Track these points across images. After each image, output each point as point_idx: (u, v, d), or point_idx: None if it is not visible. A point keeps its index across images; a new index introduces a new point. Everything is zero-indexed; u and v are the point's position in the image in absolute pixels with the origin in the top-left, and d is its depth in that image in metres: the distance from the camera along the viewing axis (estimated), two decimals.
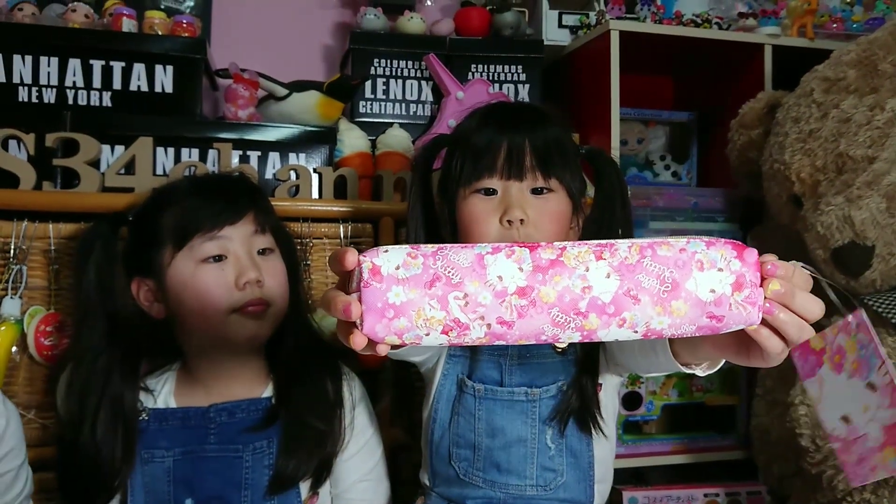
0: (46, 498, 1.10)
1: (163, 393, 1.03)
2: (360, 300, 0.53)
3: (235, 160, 1.29)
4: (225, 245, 0.97)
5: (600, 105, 1.46)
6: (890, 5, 1.67)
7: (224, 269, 0.97)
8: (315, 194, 1.31)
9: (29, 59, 1.29)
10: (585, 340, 0.55)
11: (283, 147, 1.34)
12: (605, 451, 0.99)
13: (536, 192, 0.93)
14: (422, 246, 0.54)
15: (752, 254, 0.55)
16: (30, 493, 1.00)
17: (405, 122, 1.51)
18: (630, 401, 1.44)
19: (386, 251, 0.53)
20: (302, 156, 1.35)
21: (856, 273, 1.11)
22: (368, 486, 1.07)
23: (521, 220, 0.90)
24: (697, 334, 0.55)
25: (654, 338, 0.56)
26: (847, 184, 1.13)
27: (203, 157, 1.28)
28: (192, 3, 1.58)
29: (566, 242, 0.55)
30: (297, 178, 1.30)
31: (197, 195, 1.00)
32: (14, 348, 1.11)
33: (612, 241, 0.55)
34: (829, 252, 1.12)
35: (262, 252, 1.01)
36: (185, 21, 1.39)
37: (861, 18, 1.62)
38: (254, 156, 1.32)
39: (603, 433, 0.97)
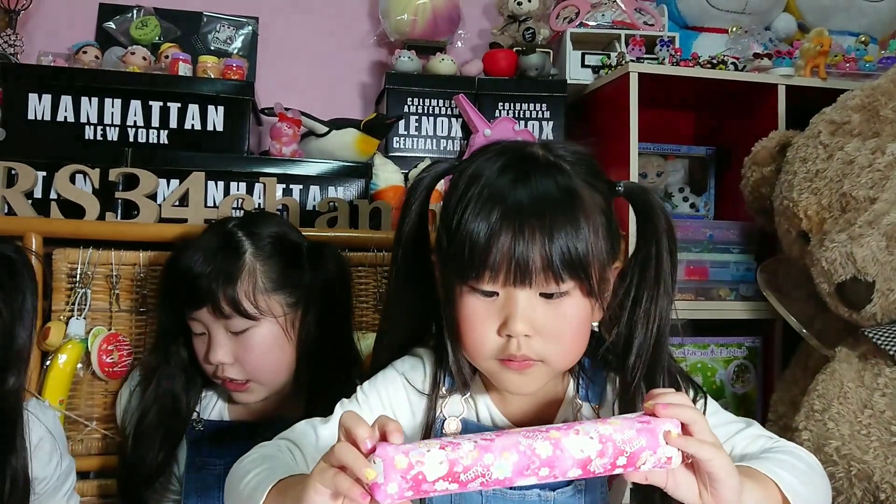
0: None
1: (217, 406, 1.13)
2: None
3: (279, 193, 1.40)
4: (201, 326, 1.06)
5: (621, 141, 1.53)
6: None
7: (203, 343, 1.06)
8: (352, 225, 1.40)
9: (95, 100, 1.41)
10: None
11: (323, 181, 1.44)
12: None
13: (547, 295, 0.74)
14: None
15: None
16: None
17: (436, 157, 1.61)
18: None
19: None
20: (340, 189, 1.45)
21: (858, 307, 1.18)
22: None
23: (526, 335, 0.73)
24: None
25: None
26: (850, 222, 1.20)
27: (250, 190, 1.39)
28: (239, 45, 1.71)
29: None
30: (336, 209, 1.40)
31: (186, 273, 1.05)
32: (79, 365, 1.22)
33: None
34: (833, 286, 1.19)
35: (240, 332, 1.04)
36: (234, 65, 1.51)
37: (874, 58, 1.67)
38: (296, 189, 1.43)
39: None
